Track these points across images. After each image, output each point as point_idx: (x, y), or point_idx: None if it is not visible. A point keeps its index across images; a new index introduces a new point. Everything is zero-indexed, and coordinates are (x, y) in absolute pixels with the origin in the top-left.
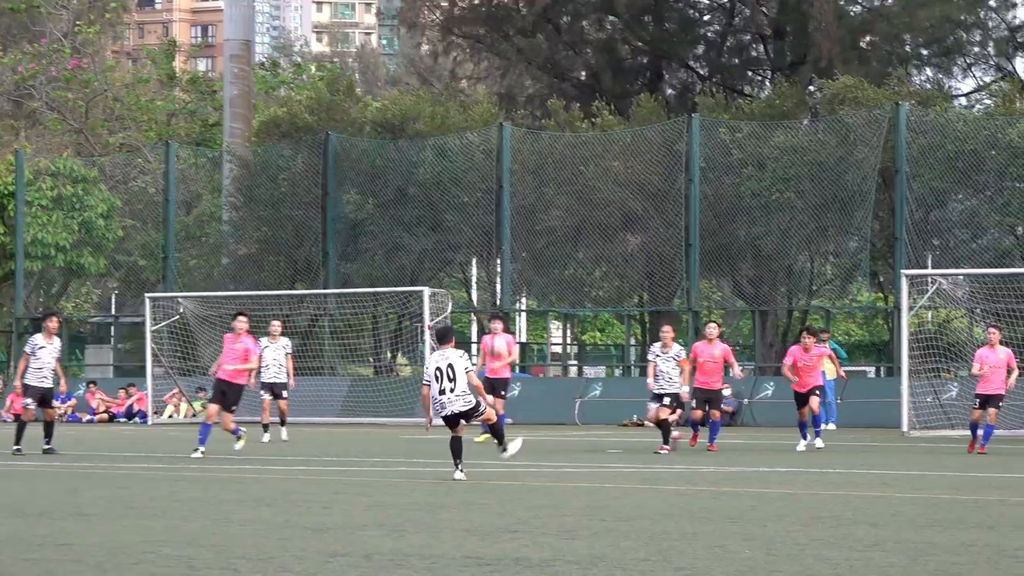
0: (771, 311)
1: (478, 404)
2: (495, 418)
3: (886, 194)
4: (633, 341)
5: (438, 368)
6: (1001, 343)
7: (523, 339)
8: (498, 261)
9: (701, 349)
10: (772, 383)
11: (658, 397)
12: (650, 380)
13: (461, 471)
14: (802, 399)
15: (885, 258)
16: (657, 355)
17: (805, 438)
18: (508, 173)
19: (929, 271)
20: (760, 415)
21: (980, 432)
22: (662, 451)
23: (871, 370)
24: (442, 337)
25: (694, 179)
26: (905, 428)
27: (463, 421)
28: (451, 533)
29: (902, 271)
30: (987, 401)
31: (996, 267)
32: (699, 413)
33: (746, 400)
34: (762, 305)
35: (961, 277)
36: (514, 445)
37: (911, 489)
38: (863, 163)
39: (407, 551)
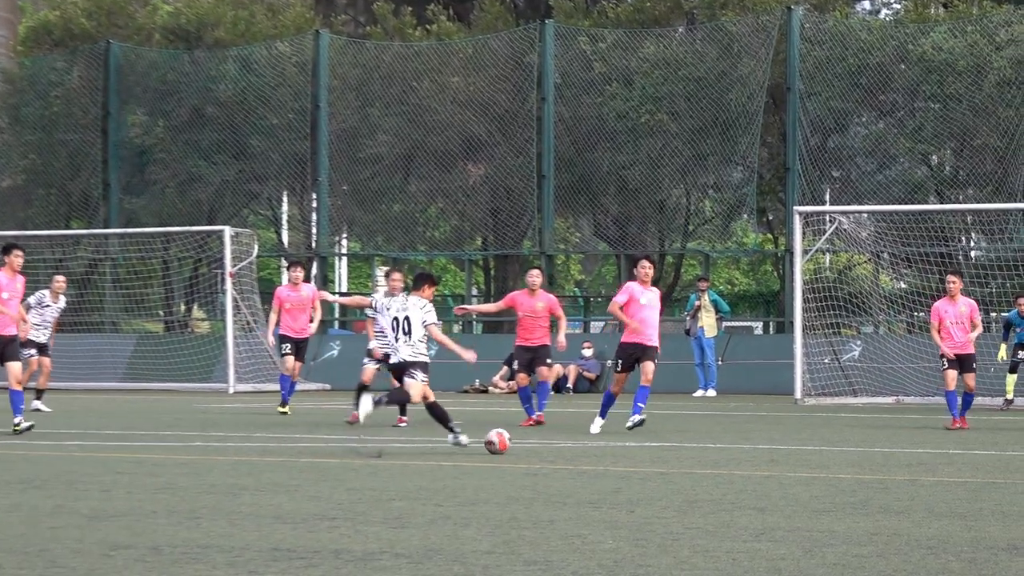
0: (640, 255)
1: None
2: (416, 398)
3: (776, 116)
4: (475, 291)
5: (395, 319)
6: (962, 292)
7: (343, 288)
8: (313, 196)
9: (521, 301)
10: None
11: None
12: (374, 344)
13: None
14: (630, 359)
15: (775, 192)
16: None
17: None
18: (326, 90)
19: (827, 208)
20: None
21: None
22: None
23: (758, 326)
24: (418, 282)
25: (548, 98)
26: (798, 395)
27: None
28: (257, 521)
29: (795, 208)
30: (960, 363)
31: (906, 203)
32: (525, 378)
33: (611, 362)
34: (629, 248)
35: (865, 215)
36: (364, 406)
37: (805, 468)
38: (749, 79)
39: (204, 542)
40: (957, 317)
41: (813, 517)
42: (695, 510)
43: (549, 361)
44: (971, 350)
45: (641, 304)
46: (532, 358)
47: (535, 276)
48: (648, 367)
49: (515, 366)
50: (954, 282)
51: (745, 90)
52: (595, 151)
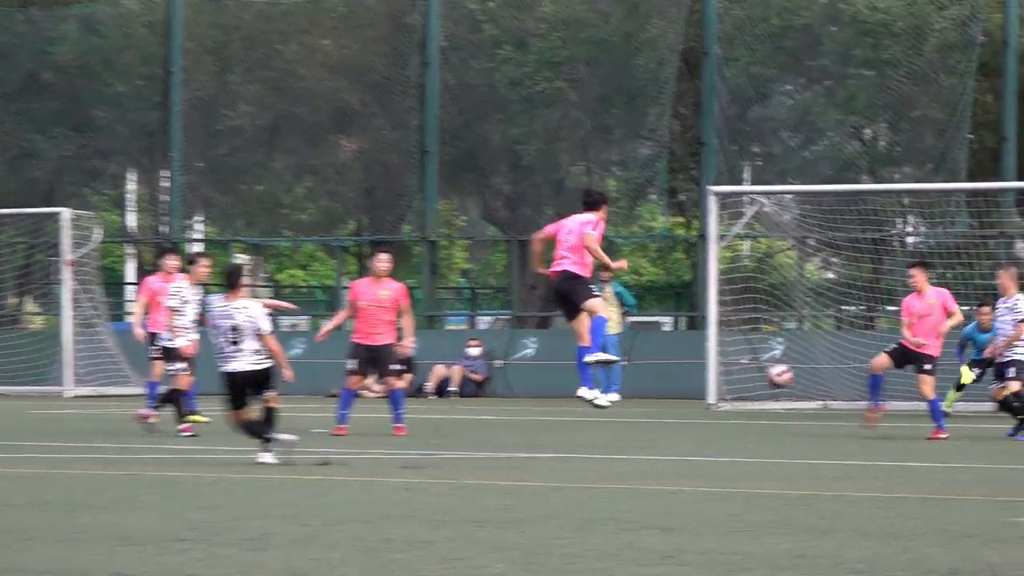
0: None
1: (270, 373)
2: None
3: (690, 84)
4: (346, 281)
5: (234, 326)
6: (931, 283)
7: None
8: (165, 173)
9: (363, 289)
10: (535, 340)
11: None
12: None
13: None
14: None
15: (688, 170)
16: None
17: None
18: (179, 54)
19: (746, 188)
20: (519, 381)
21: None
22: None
23: (667, 321)
24: (232, 278)
25: (431, 63)
26: (712, 399)
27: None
28: (97, 543)
29: (710, 187)
30: (916, 362)
31: (835, 182)
32: (356, 380)
33: (500, 362)
34: (522, 233)
35: (789, 196)
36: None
37: (719, 482)
38: (659, 42)
39: (37, 567)
40: (923, 311)
41: (727, 538)
42: (594, 529)
43: (399, 366)
44: (931, 351)
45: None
46: (373, 359)
47: (384, 261)
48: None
49: (349, 366)
50: (914, 276)
51: (655, 55)
52: (484, 123)
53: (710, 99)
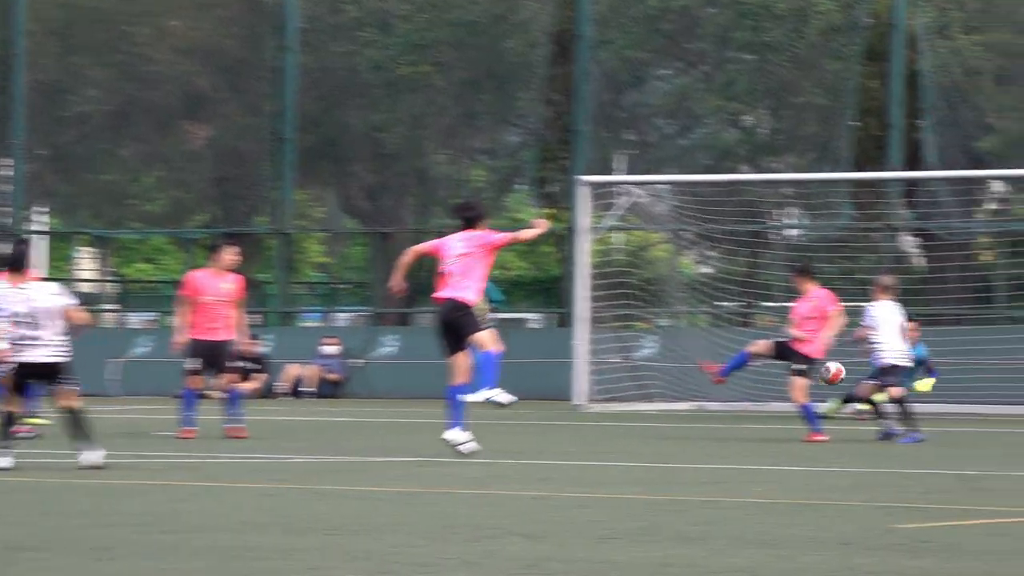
0: (396, 234)
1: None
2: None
3: (562, 69)
4: None
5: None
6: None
7: (43, 273)
8: (6, 161)
9: (204, 282)
10: (396, 337)
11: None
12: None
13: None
14: None
15: (558, 159)
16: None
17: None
18: (22, 35)
19: (619, 177)
20: (380, 381)
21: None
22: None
23: (535, 318)
24: (17, 258)
25: (290, 46)
26: (580, 400)
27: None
28: None
29: (581, 177)
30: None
31: (713, 172)
32: (199, 380)
33: (358, 361)
34: (383, 225)
35: (664, 186)
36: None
37: (586, 487)
38: (530, 24)
39: None
40: (810, 313)
41: (594, 545)
42: (453, 537)
43: (248, 364)
44: (811, 353)
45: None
46: (215, 356)
47: (233, 254)
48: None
49: (188, 365)
50: (797, 278)
51: (525, 37)
52: (345, 109)
53: (582, 84)
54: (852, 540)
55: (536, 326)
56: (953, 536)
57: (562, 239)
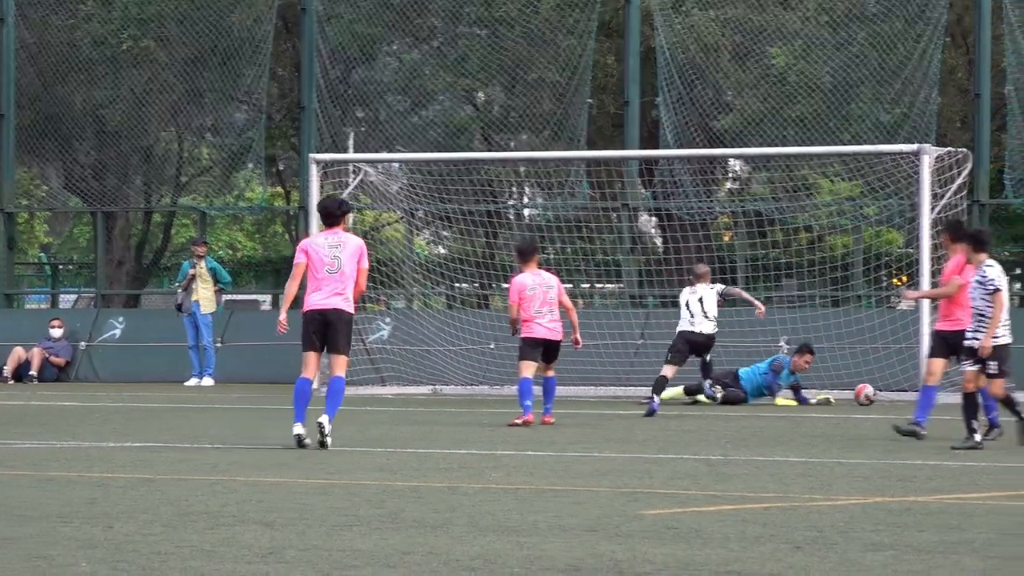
0: (121, 213)
1: None
2: None
3: (289, 44)
4: None
5: None
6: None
7: None
8: None
9: None
10: (122, 320)
11: None
12: None
13: None
14: None
15: (288, 137)
16: None
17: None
18: None
19: (350, 155)
20: (104, 365)
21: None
22: None
23: (266, 300)
24: None
25: (6, 19)
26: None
27: None
28: None
29: (311, 156)
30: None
31: (447, 149)
32: None
33: (84, 344)
34: (108, 204)
35: (396, 164)
36: None
37: (323, 473)
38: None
39: None
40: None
41: (332, 533)
42: (188, 525)
43: None
44: (561, 336)
45: None
46: None
47: None
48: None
49: None
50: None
51: (250, 12)
52: (66, 85)
53: (310, 61)
54: (598, 527)
55: (267, 308)
56: (700, 522)
57: (293, 219)
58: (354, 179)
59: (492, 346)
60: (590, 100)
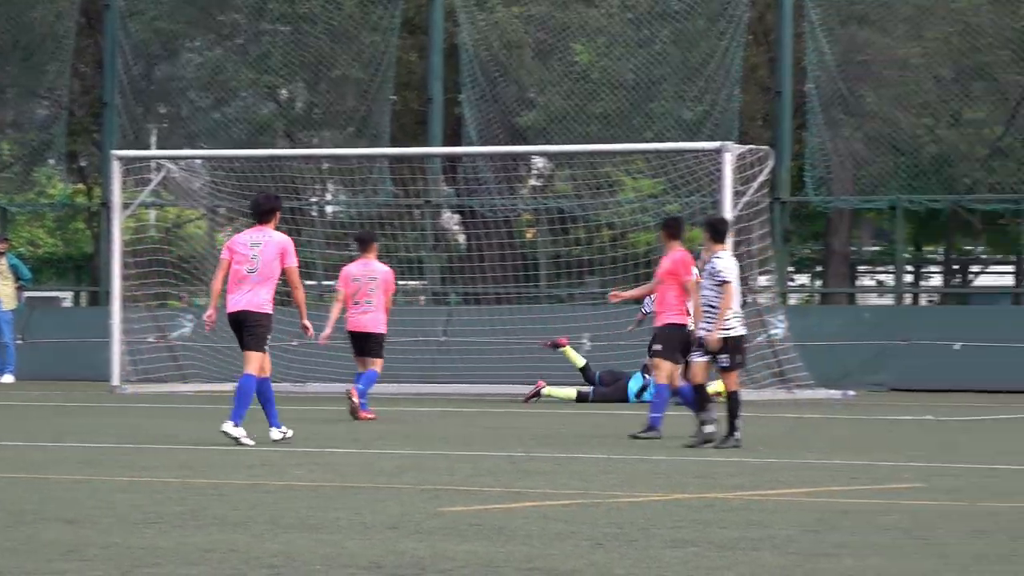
0: None
1: None
2: None
3: (92, 40)
4: None
5: None
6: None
7: None
8: None
9: None
10: None
11: None
12: None
13: None
14: None
15: (90, 133)
16: None
17: None
18: None
19: (152, 152)
20: None
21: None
22: None
23: (67, 296)
24: None
25: None
26: (117, 381)
27: None
28: None
29: (113, 152)
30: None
31: (249, 146)
32: None
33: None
34: None
35: (199, 161)
36: None
37: (125, 471)
38: None
39: None
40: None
41: (133, 530)
42: None
43: None
44: (373, 328)
45: None
46: None
47: None
48: None
49: None
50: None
51: (53, 7)
52: None
53: (113, 56)
54: (399, 524)
55: (68, 305)
56: (502, 519)
57: (95, 215)
58: (157, 176)
59: (295, 343)
60: (393, 97)
